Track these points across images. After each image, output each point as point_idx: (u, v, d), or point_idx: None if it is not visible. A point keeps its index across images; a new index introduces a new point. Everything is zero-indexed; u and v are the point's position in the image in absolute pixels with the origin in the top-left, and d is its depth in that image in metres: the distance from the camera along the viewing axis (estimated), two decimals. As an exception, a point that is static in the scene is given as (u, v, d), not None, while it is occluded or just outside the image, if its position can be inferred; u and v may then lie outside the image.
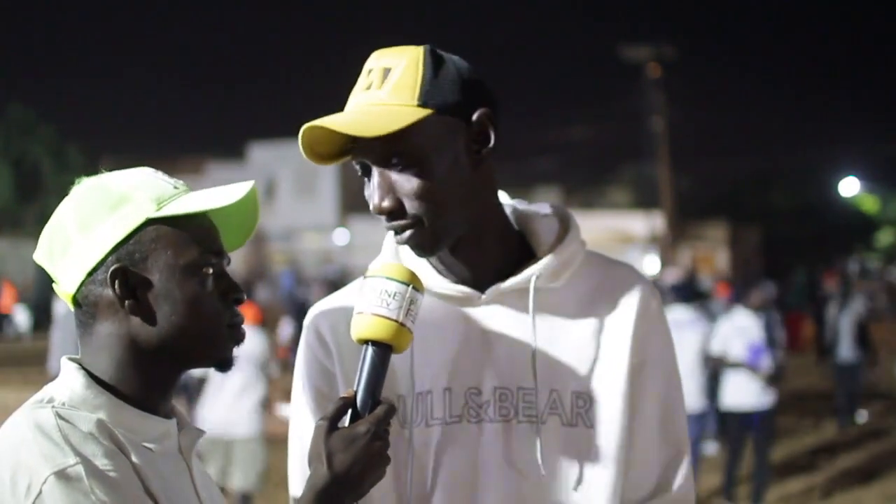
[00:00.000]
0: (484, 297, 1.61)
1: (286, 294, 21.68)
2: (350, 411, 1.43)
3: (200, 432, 1.50)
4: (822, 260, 32.48)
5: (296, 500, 1.56)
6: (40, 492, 1.25)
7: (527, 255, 1.64)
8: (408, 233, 1.54)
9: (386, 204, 1.52)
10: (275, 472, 7.22)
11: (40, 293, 23.24)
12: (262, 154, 42.18)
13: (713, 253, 36.36)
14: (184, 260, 1.39)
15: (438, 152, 1.52)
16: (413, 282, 1.46)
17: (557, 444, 1.59)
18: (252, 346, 6.48)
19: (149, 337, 1.39)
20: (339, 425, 1.43)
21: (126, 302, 1.37)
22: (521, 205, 1.72)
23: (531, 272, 1.60)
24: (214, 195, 1.42)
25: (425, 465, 1.59)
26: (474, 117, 1.54)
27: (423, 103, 1.50)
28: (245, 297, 1.46)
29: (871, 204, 44.98)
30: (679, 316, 7.72)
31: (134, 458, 1.35)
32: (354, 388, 1.45)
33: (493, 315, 1.61)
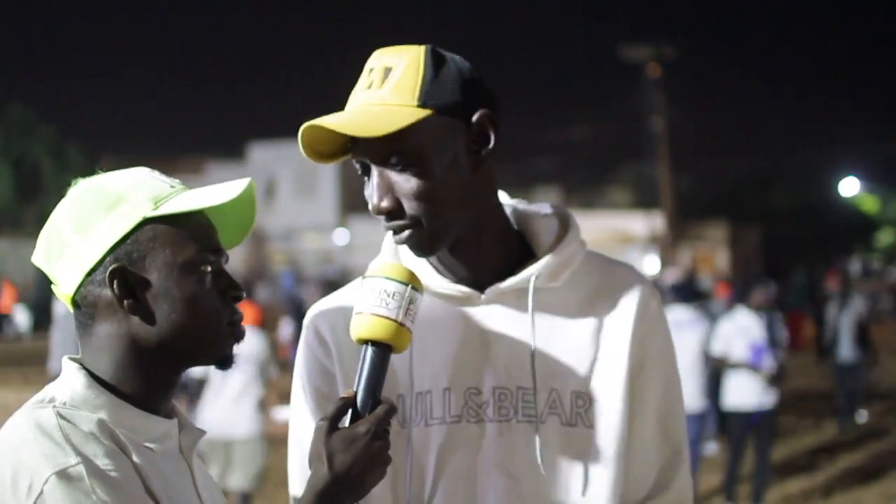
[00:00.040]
0: (483, 296, 1.61)
1: (286, 294, 21.65)
2: (350, 411, 1.43)
3: (201, 432, 1.49)
4: (822, 260, 32.48)
5: (296, 500, 1.56)
6: (41, 492, 1.25)
7: (526, 255, 1.64)
8: (406, 233, 1.54)
9: (385, 204, 1.52)
10: (275, 472, 7.23)
11: (40, 293, 23.25)
12: (262, 154, 42.20)
13: (713, 253, 36.36)
14: (182, 258, 1.39)
15: (438, 153, 1.51)
16: (412, 282, 1.46)
17: (557, 443, 1.59)
18: (252, 346, 6.48)
19: (148, 336, 1.38)
20: (340, 425, 1.42)
21: (125, 302, 1.37)
22: (521, 205, 1.72)
23: (531, 272, 1.60)
24: (211, 193, 1.42)
25: (425, 464, 1.59)
26: (474, 118, 1.54)
27: (423, 103, 1.50)
28: (244, 294, 1.46)
29: (871, 204, 44.99)
30: (679, 316, 7.71)
31: (135, 458, 1.35)
32: (354, 389, 1.45)
33: (493, 315, 1.61)
